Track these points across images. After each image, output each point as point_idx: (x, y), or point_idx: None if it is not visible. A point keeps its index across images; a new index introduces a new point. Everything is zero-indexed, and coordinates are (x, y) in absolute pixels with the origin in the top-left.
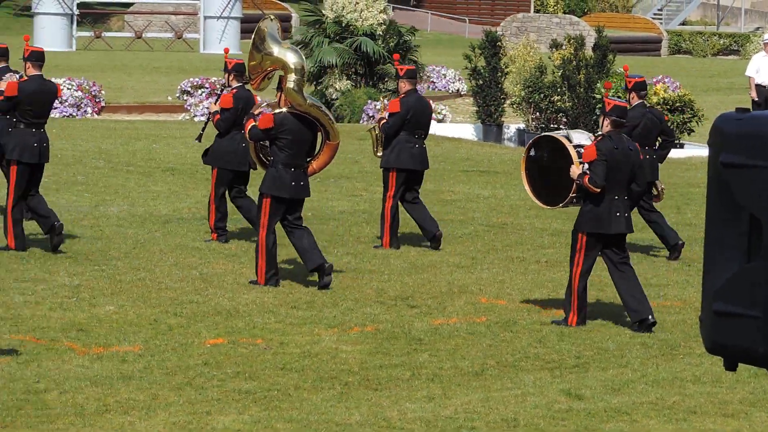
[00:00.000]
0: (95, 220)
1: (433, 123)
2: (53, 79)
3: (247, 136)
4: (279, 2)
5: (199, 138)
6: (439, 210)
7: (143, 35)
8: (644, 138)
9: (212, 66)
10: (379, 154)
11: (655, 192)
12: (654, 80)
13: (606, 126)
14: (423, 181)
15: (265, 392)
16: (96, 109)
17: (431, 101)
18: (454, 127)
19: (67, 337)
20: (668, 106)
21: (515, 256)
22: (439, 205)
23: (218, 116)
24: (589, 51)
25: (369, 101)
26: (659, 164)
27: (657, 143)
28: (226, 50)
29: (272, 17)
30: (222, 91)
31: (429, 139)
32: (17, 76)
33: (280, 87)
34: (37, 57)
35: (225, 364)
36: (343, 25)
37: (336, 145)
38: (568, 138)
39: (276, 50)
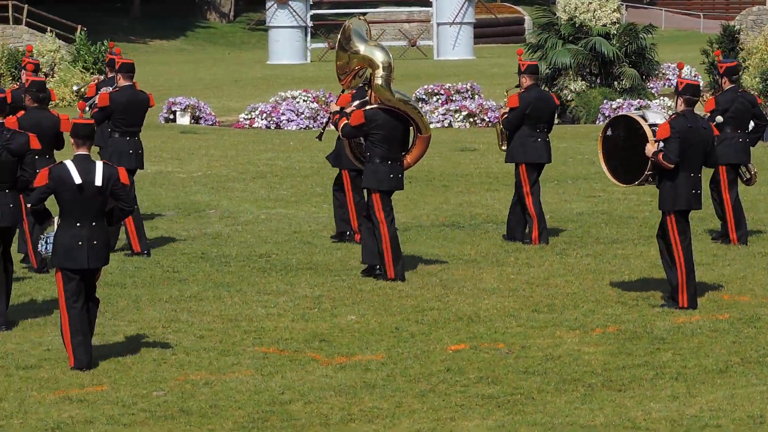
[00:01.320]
0: (335, 231)
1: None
2: (287, 92)
3: (341, 134)
4: (511, 5)
5: (320, 137)
6: None
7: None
8: (737, 121)
9: (447, 72)
10: (504, 148)
11: (747, 175)
12: None
13: (680, 104)
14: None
15: (509, 396)
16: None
17: (554, 96)
18: None
19: (310, 348)
20: None
21: (757, 252)
22: None
23: (337, 116)
24: None
25: (605, 101)
26: (751, 147)
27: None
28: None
29: (360, 16)
30: (343, 91)
31: None
32: (110, 88)
33: (370, 84)
34: (127, 68)
35: (467, 370)
36: (577, 25)
37: (428, 137)
38: (643, 117)
39: (362, 48)
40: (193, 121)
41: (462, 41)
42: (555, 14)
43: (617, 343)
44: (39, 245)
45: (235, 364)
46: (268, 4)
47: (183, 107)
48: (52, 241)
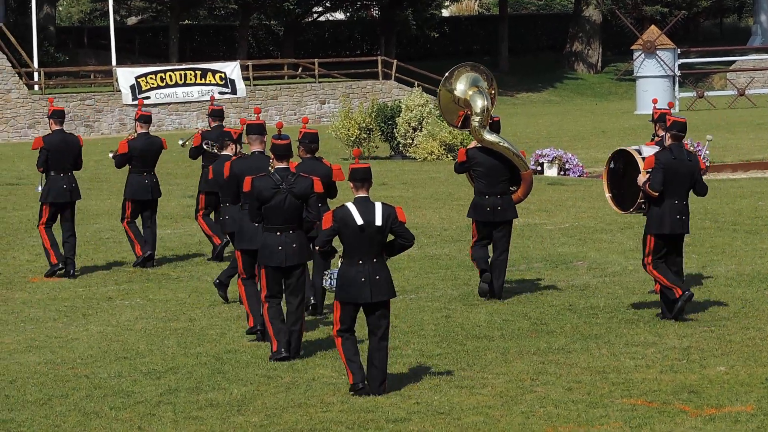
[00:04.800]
0: (703, 281)
1: None
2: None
3: (454, 170)
4: None
5: None
6: None
7: (746, 92)
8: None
9: None
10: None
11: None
12: None
13: (668, 139)
14: None
15: None
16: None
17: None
18: None
19: (679, 400)
20: None
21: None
22: None
23: None
24: None
25: None
26: None
27: None
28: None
29: (481, 66)
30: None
31: None
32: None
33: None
34: (144, 119)
35: None
36: None
37: (527, 174)
38: (639, 151)
39: (459, 89)
40: (561, 172)
41: None
42: None
43: None
44: (324, 281)
45: (603, 417)
46: (636, 54)
47: (550, 159)
48: (335, 277)
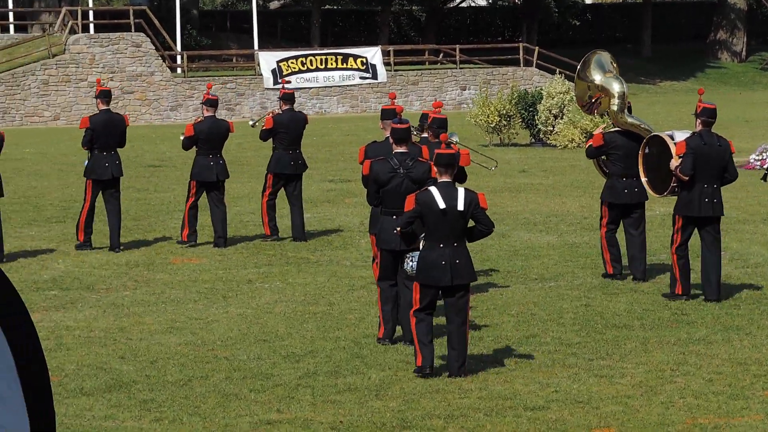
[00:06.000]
0: None
1: None
2: None
3: (586, 154)
4: None
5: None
6: None
7: None
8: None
9: None
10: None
11: None
12: None
13: (698, 125)
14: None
15: None
16: None
17: None
18: None
19: None
20: None
21: None
22: None
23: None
24: None
25: None
26: None
27: None
28: None
29: (603, 51)
30: None
31: None
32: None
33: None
34: (287, 97)
35: None
36: None
37: None
38: (671, 137)
39: (598, 78)
40: None
41: None
42: None
43: None
44: (405, 263)
45: (744, 408)
46: None
47: None
48: (416, 259)
